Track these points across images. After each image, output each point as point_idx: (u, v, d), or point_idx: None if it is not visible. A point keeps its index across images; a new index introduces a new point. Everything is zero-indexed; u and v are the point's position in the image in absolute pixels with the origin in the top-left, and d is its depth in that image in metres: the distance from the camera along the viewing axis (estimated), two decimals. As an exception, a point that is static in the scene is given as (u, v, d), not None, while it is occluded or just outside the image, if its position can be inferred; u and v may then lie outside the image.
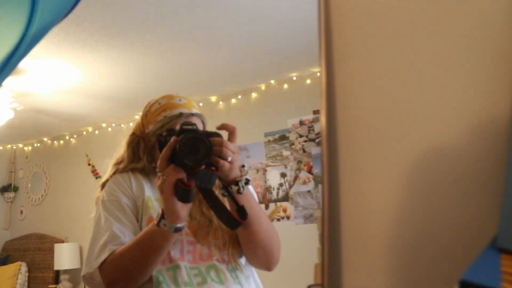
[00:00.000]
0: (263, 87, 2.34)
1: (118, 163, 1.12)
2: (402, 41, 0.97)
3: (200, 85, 2.36)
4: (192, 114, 1.08)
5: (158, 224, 0.92)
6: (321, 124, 1.01)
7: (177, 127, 0.96)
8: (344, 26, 1.05)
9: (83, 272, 1.02)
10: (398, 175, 0.94)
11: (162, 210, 0.92)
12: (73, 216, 3.46)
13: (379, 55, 1.05)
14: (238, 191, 0.94)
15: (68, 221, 3.50)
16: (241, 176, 0.95)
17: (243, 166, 0.98)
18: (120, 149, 1.14)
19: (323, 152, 0.99)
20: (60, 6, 1.16)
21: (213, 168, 0.91)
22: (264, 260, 1.04)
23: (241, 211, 0.95)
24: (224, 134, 0.95)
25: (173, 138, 0.90)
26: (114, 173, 1.10)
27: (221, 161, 0.90)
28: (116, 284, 0.98)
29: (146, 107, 1.12)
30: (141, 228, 1.02)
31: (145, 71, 2.38)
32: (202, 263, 1.03)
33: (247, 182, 0.95)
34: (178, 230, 0.93)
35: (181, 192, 0.89)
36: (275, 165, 2.10)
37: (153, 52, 2.13)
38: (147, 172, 1.10)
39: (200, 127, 1.08)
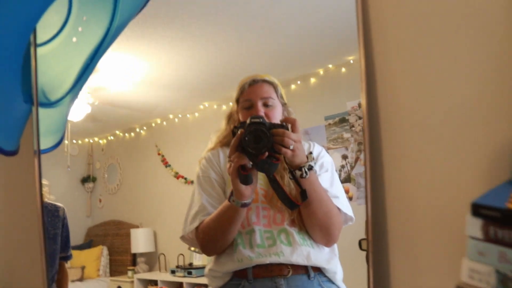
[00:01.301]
0: (321, 71, 2.32)
1: (217, 137, 1.31)
2: (443, 31, 0.98)
3: (260, 73, 2.42)
4: (264, 81, 1.22)
5: (229, 199, 1.10)
6: (362, 107, 1.09)
7: (247, 120, 1.07)
8: (386, 16, 1.11)
9: (181, 234, 1.24)
10: (439, 155, 0.98)
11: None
12: (146, 203, 3.59)
13: (420, 44, 1.08)
14: (301, 176, 1.05)
15: (142, 208, 3.64)
16: (306, 162, 1.06)
17: (311, 153, 1.11)
18: (222, 124, 1.32)
19: (365, 138, 1.07)
20: (135, 3, 1.29)
21: (274, 158, 1.05)
22: (321, 237, 1.16)
23: (302, 194, 1.07)
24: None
25: (240, 130, 1.05)
26: (208, 151, 1.29)
27: (283, 149, 1.02)
28: (207, 246, 1.20)
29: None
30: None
31: (208, 61, 2.44)
32: (275, 226, 1.16)
33: (310, 168, 1.06)
34: (244, 205, 1.09)
35: (241, 177, 1.05)
36: (336, 148, 2.12)
37: (214, 42, 2.20)
38: None
39: (272, 94, 1.22)
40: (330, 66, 2.26)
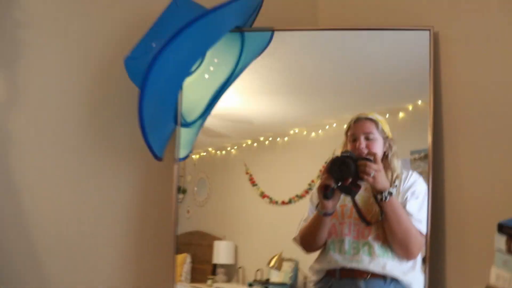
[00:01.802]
0: (410, 107, 2.30)
1: None
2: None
3: (352, 105, 2.33)
4: (367, 118, 1.65)
5: (315, 208, 1.58)
6: (428, 150, 1.60)
7: (336, 154, 1.54)
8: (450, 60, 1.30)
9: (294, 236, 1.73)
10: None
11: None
12: (230, 218, 3.62)
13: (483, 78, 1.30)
14: (381, 199, 1.48)
15: (226, 222, 3.60)
16: (387, 188, 1.48)
17: (394, 182, 1.53)
18: (338, 150, 1.72)
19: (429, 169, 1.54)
20: (258, 48, 1.67)
21: (355, 185, 1.48)
22: (400, 252, 1.53)
23: (380, 214, 1.47)
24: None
25: (332, 159, 1.48)
26: None
27: (365, 176, 1.46)
28: (303, 245, 1.69)
29: None
30: None
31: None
32: (361, 239, 1.56)
33: (390, 194, 1.48)
34: (325, 214, 1.57)
35: (322, 193, 1.50)
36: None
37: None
38: None
39: (373, 130, 1.62)
40: (419, 102, 2.26)
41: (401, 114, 2.39)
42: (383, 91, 2.27)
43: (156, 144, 1.64)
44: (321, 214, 1.55)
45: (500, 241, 1.04)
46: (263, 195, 2.99)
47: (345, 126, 1.72)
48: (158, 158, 1.73)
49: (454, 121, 1.55)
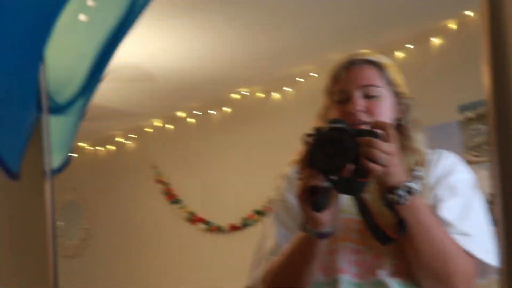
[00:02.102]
0: (452, 25, 2.22)
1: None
2: None
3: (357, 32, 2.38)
4: (367, 61, 1.13)
5: (302, 228, 1.04)
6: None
7: (326, 126, 1.03)
8: None
9: (248, 283, 1.18)
10: None
11: None
12: (129, 276, 3.18)
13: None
14: (397, 202, 0.97)
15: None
16: (399, 183, 0.98)
17: (415, 170, 1.04)
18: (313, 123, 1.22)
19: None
20: None
21: (361, 174, 0.97)
22: (427, 282, 1.06)
23: (399, 225, 0.99)
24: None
25: (314, 138, 1.00)
26: (292, 164, 1.21)
27: (371, 164, 0.92)
28: None
29: None
30: None
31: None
32: (369, 278, 1.08)
33: (409, 191, 0.97)
34: (322, 236, 1.00)
35: (310, 202, 0.97)
36: (480, 161, 2.00)
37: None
38: None
39: (377, 80, 1.12)
40: (469, 13, 2.15)
41: (434, 40, 2.39)
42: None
43: (8, 151, 1.34)
44: (314, 237, 1.02)
45: None
46: (192, 219, 2.72)
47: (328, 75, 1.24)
48: (13, 174, 1.32)
49: None
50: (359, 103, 1.08)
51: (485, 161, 2.04)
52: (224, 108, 2.98)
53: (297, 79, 2.76)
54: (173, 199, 3.12)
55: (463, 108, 2.15)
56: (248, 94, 2.90)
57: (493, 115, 0.81)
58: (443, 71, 2.31)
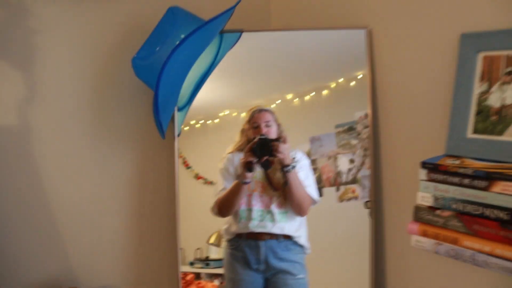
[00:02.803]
0: (333, 85, 2.61)
1: (234, 145, 2.12)
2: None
3: (280, 86, 2.66)
4: (266, 110, 2.11)
5: (237, 178, 1.97)
6: (368, 117, 2.23)
7: (257, 136, 1.94)
8: (381, 49, 2.13)
9: (211, 206, 2.07)
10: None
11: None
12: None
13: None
14: (287, 171, 1.97)
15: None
16: (290, 163, 1.97)
17: (294, 158, 2.02)
18: (237, 136, 2.16)
19: (371, 136, 2.16)
20: (230, 46, 2.29)
21: (271, 158, 1.94)
22: (296, 210, 2.06)
23: (285, 182, 1.98)
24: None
25: (253, 142, 1.92)
26: (228, 153, 2.11)
27: (278, 154, 1.93)
28: (222, 213, 2.08)
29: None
30: None
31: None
32: (265, 209, 2.07)
33: (293, 167, 1.98)
34: (246, 183, 1.98)
35: (246, 167, 1.93)
36: (344, 153, 2.49)
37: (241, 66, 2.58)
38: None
39: (271, 119, 2.08)
40: (341, 80, 2.55)
41: (324, 92, 2.64)
42: (311, 71, 2.54)
43: (165, 124, 2.06)
44: (242, 183, 1.97)
45: (422, 173, 1.77)
46: (197, 177, 3.00)
47: (245, 114, 2.17)
48: (163, 136, 2.11)
49: (385, 95, 2.17)
50: (263, 129, 2.04)
51: (347, 152, 2.49)
52: (215, 120, 2.97)
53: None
54: (187, 166, 3.48)
55: (337, 126, 2.54)
56: (227, 113, 2.87)
57: (371, 131, 2.15)
58: (329, 107, 2.55)
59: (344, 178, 2.45)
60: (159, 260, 2.42)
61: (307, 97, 2.70)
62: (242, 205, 2.03)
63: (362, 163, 2.37)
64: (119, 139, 2.25)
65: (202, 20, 2.05)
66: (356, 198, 2.38)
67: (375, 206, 2.27)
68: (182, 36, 1.92)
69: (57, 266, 2.17)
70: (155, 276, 2.42)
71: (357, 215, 2.30)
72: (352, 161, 2.45)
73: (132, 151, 2.30)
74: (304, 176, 2.06)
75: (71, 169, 2.19)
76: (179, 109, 2.26)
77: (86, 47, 2.17)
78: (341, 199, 2.42)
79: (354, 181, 2.39)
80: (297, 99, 2.67)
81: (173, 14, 2.06)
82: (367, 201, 2.25)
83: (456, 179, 1.72)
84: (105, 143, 2.24)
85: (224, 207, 2.06)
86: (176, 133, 2.25)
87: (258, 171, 2.01)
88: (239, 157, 2.02)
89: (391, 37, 2.12)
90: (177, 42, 1.87)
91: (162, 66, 1.84)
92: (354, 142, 2.37)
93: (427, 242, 1.79)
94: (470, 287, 1.91)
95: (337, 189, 2.42)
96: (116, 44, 2.22)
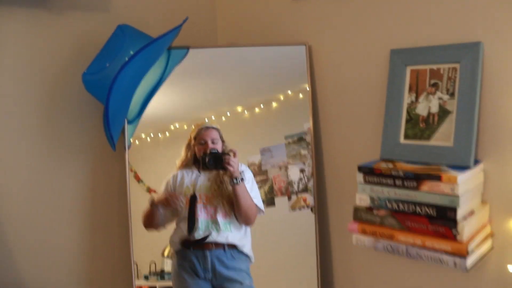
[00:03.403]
0: (281, 97, 2.70)
1: (180, 161, 2.23)
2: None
3: (229, 99, 2.74)
4: (213, 128, 2.20)
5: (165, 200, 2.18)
6: (310, 127, 2.44)
7: (208, 151, 2.09)
8: (320, 63, 2.34)
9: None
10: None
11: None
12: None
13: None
14: (236, 182, 2.06)
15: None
16: (239, 175, 2.07)
17: (242, 172, 2.12)
18: (182, 152, 2.25)
19: (312, 147, 2.38)
20: (177, 61, 2.47)
21: (222, 169, 2.06)
22: (243, 219, 2.14)
23: (234, 192, 2.08)
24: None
25: (205, 154, 2.07)
26: (176, 169, 2.22)
27: (229, 167, 2.04)
28: (143, 224, 2.24)
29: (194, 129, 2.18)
30: None
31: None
32: (210, 218, 2.14)
33: (241, 179, 2.07)
34: (155, 206, 2.18)
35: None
36: (295, 163, 2.54)
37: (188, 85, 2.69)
38: (190, 166, 2.17)
39: (217, 136, 2.20)
40: (289, 92, 2.66)
41: (274, 104, 2.70)
42: (260, 84, 2.62)
43: (115, 137, 2.16)
44: (153, 206, 2.19)
45: (359, 176, 1.92)
46: (149, 190, 3.01)
47: (192, 130, 2.27)
48: (114, 148, 2.21)
49: (325, 106, 2.34)
50: (210, 145, 2.17)
51: (297, 162, 2.57)
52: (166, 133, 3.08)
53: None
54: (139, 180, 3.38)
55: (287, 137, 2.61)
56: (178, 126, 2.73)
57: (313, 140, 2.38)
58: (279, 119, 2.67)
59: (295, 187, 2.51)
60: (113, 274, 2.47)
61: (256, 110, 2.77)
62: (189, 216, 2.13)
63: (313, 172, 2.42)
64: (71, 151, 2.32)
65: (150, 37, 2.16)
66: (307, 206, 2.45)
67: (320, 210, 2.43)
68: (132, 52, 2.04)
69: (8, 279, 2.21)
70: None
71: (308, 222, 2.40)
72: (302, 170, 2.51)
73: (84, 163, 2.37)
74: (249, 188, 2.16)
75: (21, 181, 2.23)
76: (129, 122, 2.34)
77: (37, 61, 2.24)
78: (293, 208, 2.48)
79: (305, 190, 2.47)
80: (247, 111, 2.75)
81: (122, 31, 2.18)
82: (312, 207, 2.38)
83: (389, 181, 1.90)
84: (56, 155, 2.29)
85: (144, 221, 2.22)
86: (127, 145, 2.32)
87: (202, 184, 2.13)
88: (184, 173, 2.18)
89: (328, 52, 2.31)
90: (127, 58, 2.00)
91: (112, 81, 1.95)
92: (303, 152, 2.45)
93: (366, 240, 1.97)
94: (407, 278, 2.09)
95: (289, 199, 2.48)
96: (67, 59, 2.30)
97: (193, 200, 2.11)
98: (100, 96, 2.17)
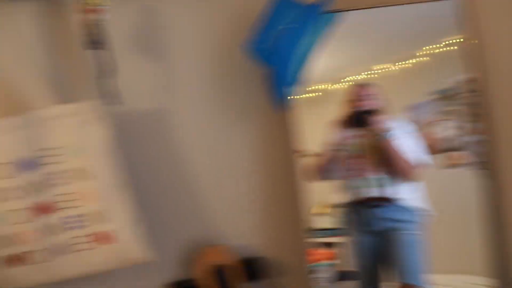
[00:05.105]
0: (429, 51, 2.83)
1: (337, 119, 2.42)
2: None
3: (377, 56, 2.89)
4: (367, 84, 2.46)
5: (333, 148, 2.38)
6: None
7: (357, 109, 2.39)
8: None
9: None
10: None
11: None
12: None
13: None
14: (383, 138, 2.33)
15: None
16: (387, 131, 2.34)
17: (391, 127, 2.34)
18: (338, 111, 2.48)
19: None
20: (329, 23, 2.58)
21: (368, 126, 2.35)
22: (399, 175, 2.40)
23: (385, 147, 2.30)
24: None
25: (349, 114, 2.38)
26: (333, 126, 2.45)
27: (371, 125, 2.36)
28: (315, 176, 2.45)
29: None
30: None
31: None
32: (371, 175, 2.43)
33: (389, 135, 2.33)
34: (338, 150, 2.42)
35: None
36: (447, 119, 2.61)
37: None
38: (347, 124, 2.44)
39: (370, 92, 2.45)
40: (436, 46, 2.77)
41: (423, 59, 2.81)
42: (408, 39, 2.73)
43: (280, 99, 2.38)
44: (335, 151, 2.41)
45: None
46: (308, 152, 3.05)
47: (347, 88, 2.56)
48: (280, 109, 2.43)
49: (494, 59, 2.42)
50: (363, 102, 2.45)
51: (450, 118, 2.68)
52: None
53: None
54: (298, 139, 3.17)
55: (437, 93, 2.68)
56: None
57: (480, 95, 2.49)
58: (430, 73, 2.81)
59: (448, 144, 2.57)
60: (284, 229, 2.59)
61: (404, 65, 2.87)
62: (351, 174, 2.38)
63: (468, 129, 2.46)
64: (239, 117, 2.61)
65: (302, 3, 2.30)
66: (461, 164, 2.51)
67: (491, 170, 2.42)
68: (294, 21, 2.25)
69: (199, 226, 2.55)
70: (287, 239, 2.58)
71: (464, 182, 2.46)
72: (455, 127, 2.56)
73: (251, 125, 2.62)
74: (405, 143, 2.36)
75: (203, 144, 2.57)
76: (290, 84, 2.48)
77: (205, 38, 2.53)
78: (445, 165, 2.54)
79: (459, 147, 2.53)
80: (395, 67, 2.85)
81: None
82: (480, 165, 2.39)
83: None
84: (228, 120, 2.60)
85: (319, 171, 2.43)
86: (289, 106, 2.50)
87: (359, 141, 2.38)
88: (342, 132, 2.41)
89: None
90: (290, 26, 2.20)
91: (281, 48, 2.27)
92: (456, 108, 2.51)
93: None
94: None
95: (441, 156, 2.55)
96: (228, 33, 2.61)
97: (354, 159, 2.34)
98: (268, 62, 2.43)
